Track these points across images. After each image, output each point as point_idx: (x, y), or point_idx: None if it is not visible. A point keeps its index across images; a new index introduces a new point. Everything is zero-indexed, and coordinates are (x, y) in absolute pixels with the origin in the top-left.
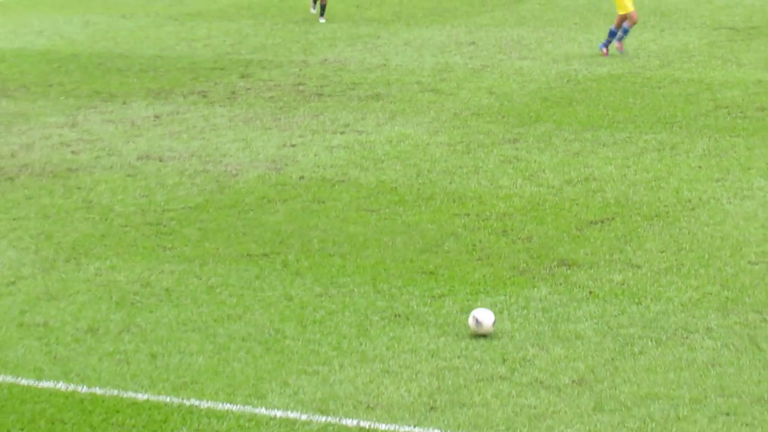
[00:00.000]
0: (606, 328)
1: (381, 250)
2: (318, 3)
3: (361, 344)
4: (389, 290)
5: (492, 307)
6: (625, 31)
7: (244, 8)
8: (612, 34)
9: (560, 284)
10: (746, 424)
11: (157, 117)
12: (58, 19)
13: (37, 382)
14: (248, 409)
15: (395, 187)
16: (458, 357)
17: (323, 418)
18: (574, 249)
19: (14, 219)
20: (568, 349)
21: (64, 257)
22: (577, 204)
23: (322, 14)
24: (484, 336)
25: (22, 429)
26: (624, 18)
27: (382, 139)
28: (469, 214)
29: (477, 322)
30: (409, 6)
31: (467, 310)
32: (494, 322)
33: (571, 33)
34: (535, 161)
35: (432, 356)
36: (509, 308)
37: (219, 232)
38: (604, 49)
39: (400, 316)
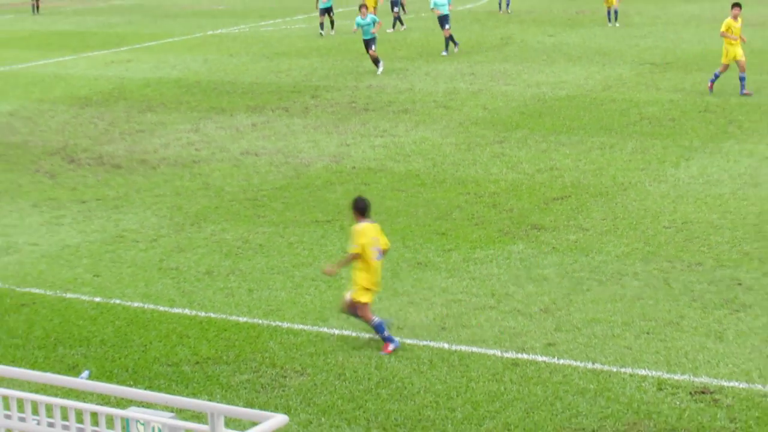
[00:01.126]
0: (564, 272)
1: (408, 218)
2: (325, 22)
3: (393, 283)
4: (414, 245)
5: (484, 258)
6: (716, 75)
7: (314, 49)
8: (741, 79)
9: (532, 242)
10: (660, 340)
11: (254, 125)
12: (186, 57)
13: (170, 308)
14: (315, 328)
15: (418, 174)
16: (461, 293)
17: (366, 335)
18: (542, 217)
19: (156, 195)
20: (537, 287)
21: (189, 222)
22: (544, 186)
23: (332, 27)
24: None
25: (160, 341)
26: (727, 67)
27: (409, 141)
28: (469, 193)
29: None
30: (428, 48)
31: (468, 260)
32: None
33: (541, 67)
34: (515, 156)
35: (443, 292)
36: (497, 258)
37: (296, 205)
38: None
39: (421, 263)
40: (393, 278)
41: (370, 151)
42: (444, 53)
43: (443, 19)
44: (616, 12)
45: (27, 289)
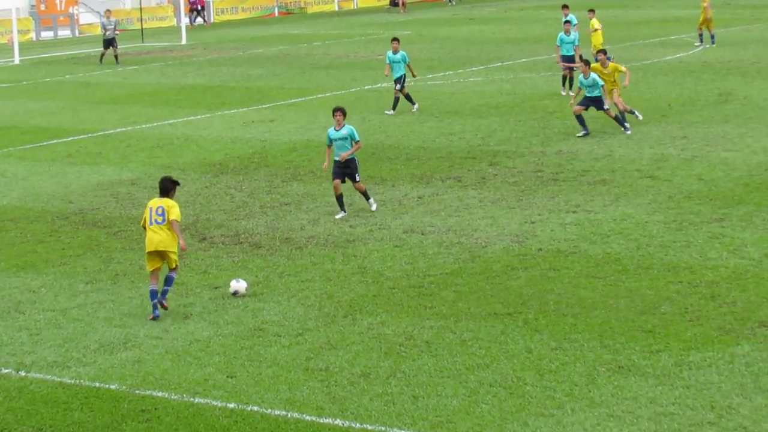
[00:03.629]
0: None
1: (606, 311)
2: (398, 100)
3: (589, 391)
4: (614, 345)
5: (701, 361)
6: None
7: (493, 107)
8: None
9: (761, 342)
10: None
11: (419, 198)
12: None
13: (318, 418)
14: None
15: (619, 258)
16: (673, 404)
17: None
18: None
19: (302, 281)
20: None
21: (342, 313)
22: None
23: (413, 103)
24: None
25: None
26: None
27: (607, 218)
28: (681, 282)
29: (236, 289)
30: (630, 105)
31: (681, 364)
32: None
33: None
34: (738, 237)
35: (650, 403)
36: (716, 363)
37: (470, 294)
38: None
39: (623, 367)
40: (589, 384)
41: (559, 230)
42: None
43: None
44: None
45: (148, 392)
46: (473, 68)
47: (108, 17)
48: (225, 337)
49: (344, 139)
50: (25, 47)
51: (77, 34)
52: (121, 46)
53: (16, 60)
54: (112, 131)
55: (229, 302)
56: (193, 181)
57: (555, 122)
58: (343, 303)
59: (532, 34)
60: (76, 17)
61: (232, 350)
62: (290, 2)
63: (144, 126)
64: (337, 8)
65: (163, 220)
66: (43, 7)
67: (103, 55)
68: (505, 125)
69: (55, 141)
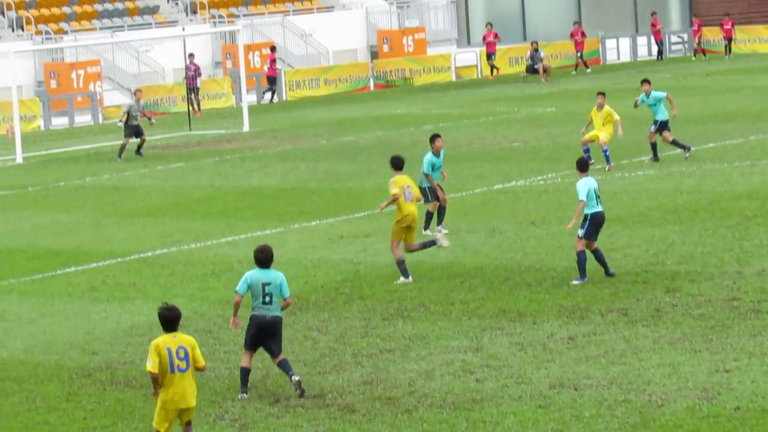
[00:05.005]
0: None
1: None
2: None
3: None
4: None
5: None
6: None
7: (670, 212)
8: None
9: None
10: None
11: (571, 339)
12: (460, 228)
13: None
14: None
15: None
16: None
17: None
18: None
19: None
20: None
21: None
22: None
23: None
24: None
25: None
26: None
27: None
28: None
29: None
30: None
31: None
32: None
33: None
34: None
35: None
36: None
37: None
38: None
39: None
40: None
41: (764, 380)
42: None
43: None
44: None
45: None
46: (642, 157)
47: (139, 99)
48: None
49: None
50: (30, 139)
51: (101, 120)
52: (161, 136)
53: (19, 158)
54: (149, 254)
55: None
56: None
57: (756, 231)
58: None
59: (722, 108)
60: (99, 97)
61: None
62: (390, 71)
63: (193, 246)
64: (454, 78)
65: None
66: (54, 84)
67: (124, 147)
68: (687, 236)
69: (72, 269)
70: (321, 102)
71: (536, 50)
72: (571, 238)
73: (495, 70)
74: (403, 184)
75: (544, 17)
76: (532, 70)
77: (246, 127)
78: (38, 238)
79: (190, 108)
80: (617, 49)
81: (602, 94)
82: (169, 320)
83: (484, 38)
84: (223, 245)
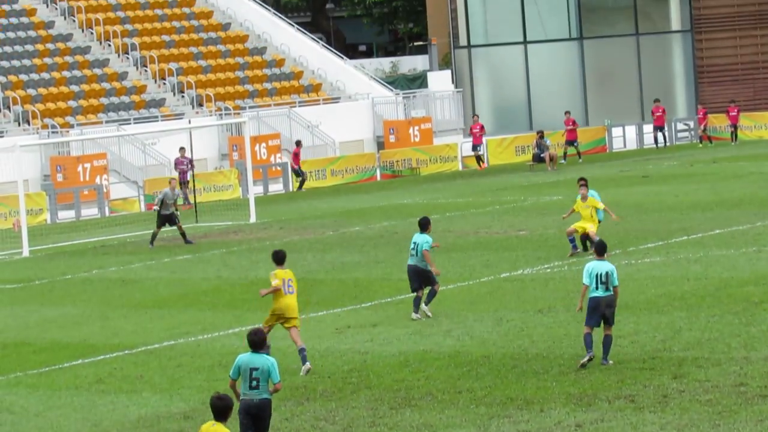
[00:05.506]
0: None
1: None
2: (422, 304)
3: None
4: None
5: None
6: None
7: (676, 298)
8: None
9: None
10: None
11: (578, 426)
12: (467, 317)
13: None
14: None
15: None
16: None
17: None
18: None
19: None
20: None
21: None
22: None
23: (427, 302)
24: None
25: None
26: None
27: None
28: None
29: None
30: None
31: None
32: None
33: None
34: None
35: None
36: None
37: None
38: None
39: None
40: None
41: None
42: None
43: None
44: None
45: None
46: (648, 245)
47: (174, 188)
48: None
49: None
50: (37, 233)
51: (107, 213)
52: (167, 228)
53: (26, 251)
54: (157, 346)
55: None
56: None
57: (763, 316)
58: None
59: (728, 195)
60: (105, 190)
61: None
62: (397, 161)
63: (201, 338)
64: (461, 167)
65: None
66: (60, 177)
67: (155, 235)
68: (693, 323)
69: (79, 361)
70: (328, 192)
71: (542, 138)
72: (577, 325)
73: (481, 162)
74: (284, 277)
75: (549, 106)
76: (538, 158)
77: (253, 219)
78: (45, 331)
79: (181, 203)
80: (623, 137)
81: (584, 184)
82: (221, 410)
83: (470, 129)
84: (231, 336)
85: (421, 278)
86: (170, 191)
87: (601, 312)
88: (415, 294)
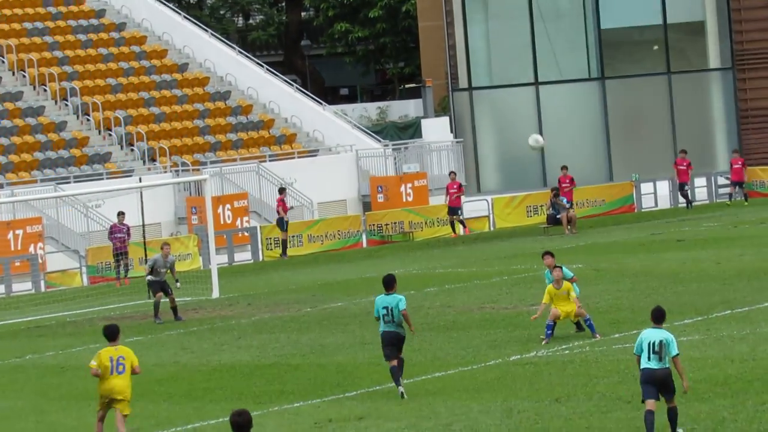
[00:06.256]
0: None
1: None
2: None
3: None
4: None
5: None
6: None
7: (719, 383)
8: None
9: None
10: None
11: None
12: (472, 407)
13: None
14: None
15: None
16: None
17: None
18: None
19: None
20: None
21: None
22: None
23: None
24: None
25: None
26: None
27: None
28: None
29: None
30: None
31: None
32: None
33: None
34: None
35: None
36: None
37: None
38: None
39: None
40: None
41: None
42: None
43: None
44: None
45: None
46: (686, 321)
47: (167, 254)
48: None
49: None
50: None
51: (43, 288)
52: (116, 305)
53: None
54: None
55: None
56: None
57: None
58: None
59: None
60: (41, 261)
61: None
62: (386, 225)
63: None
64: (462, 232)
65: None
66: None
67: (157, 305)
68: (739, 412)
69: None
70: (304, 262)
71: (557, 197)
72: (601, 416)
73: (463, 228)
74: (111, 355)
75: (566, 158)
76: (553, 220)
77: (216, 294)
78: None
79: (118, 277)
80: (654, 194)
81: (555, 264)
82: (241, 426)
83: (447, 189)
84: None
85: (400, 345)
86: (161, 257)
87: (656, 386)
88: (389, 363)
